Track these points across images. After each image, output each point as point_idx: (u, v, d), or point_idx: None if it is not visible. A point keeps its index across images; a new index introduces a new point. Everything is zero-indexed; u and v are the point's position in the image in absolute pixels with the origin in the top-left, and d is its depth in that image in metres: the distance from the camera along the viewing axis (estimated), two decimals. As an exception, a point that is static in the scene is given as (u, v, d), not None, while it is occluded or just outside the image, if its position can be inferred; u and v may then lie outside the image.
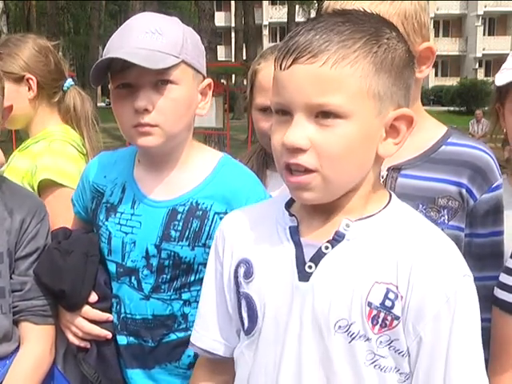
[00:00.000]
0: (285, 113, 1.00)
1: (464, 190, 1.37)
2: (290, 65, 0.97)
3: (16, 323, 1.49)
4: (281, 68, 0.99)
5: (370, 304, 0.99)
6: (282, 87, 1.00)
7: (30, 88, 2.00)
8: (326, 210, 1.06)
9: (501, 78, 1.35)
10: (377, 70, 0.97)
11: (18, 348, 1.48)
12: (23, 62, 1.98)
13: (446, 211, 1.37)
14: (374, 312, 0.99)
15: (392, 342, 1.00)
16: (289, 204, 1.13)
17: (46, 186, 1.80)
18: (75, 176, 1.83)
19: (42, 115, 2.04)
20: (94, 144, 2.07)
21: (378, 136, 1.01)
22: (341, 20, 0.98)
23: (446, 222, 1.37)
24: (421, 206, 1.36)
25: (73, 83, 2.12)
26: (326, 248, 1.03)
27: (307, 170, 0.98)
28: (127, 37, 1.36)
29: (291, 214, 1.09)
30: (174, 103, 1.38)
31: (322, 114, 0.96)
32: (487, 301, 1.36)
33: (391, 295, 0.99)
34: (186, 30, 1.43)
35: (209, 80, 1.48)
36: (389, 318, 0.99)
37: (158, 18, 1.42)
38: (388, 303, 0.99)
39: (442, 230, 1.35)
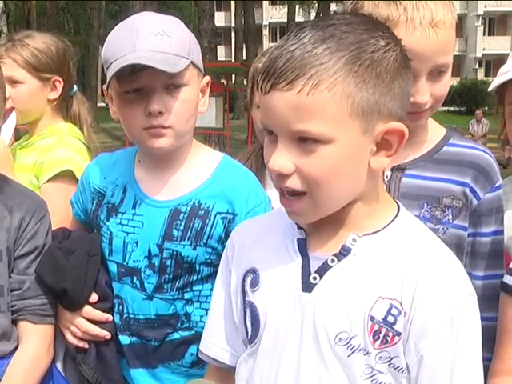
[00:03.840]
0: (271, 132, 1.00)
1: (468, 190, 1.38)
2: (269, 90, 0.96)
3: (14, 322, 1.48)
4: (262, 91, 0.99)
5: (372, 318, 0.99)
6: (264, 110, 1.00)
7: (52, 89, 2.04)
8: (332, 223, 1.05)
9: (492, 84, 1.42)
10: (359, 89, 0.93)
11: (16, 348, 1.48)
12: (54, 64, 2.02)
13: (450, 210, 1.38)
14: (376, 327, 0.98)
15: (392, 359, 0.99)
16: None
17: (65, 177, 1.84)
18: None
19: (51, 115, 2.08)
20: (92, 145, 2.11)
21: (368, 152, 0.98)
22: (322, 37, 0.94)
23: (451, 221, 1.38)
24: (426, 205, 1.38)
25: (76, 89, 2.17)
26: (332, 261, 1.03)
27: (296, 192, 0.99)
28: (136, 39, 1.34)
29: (299, 227, 1.09)
30: (185, 104, 1.39)
31: (304, 140, 0.95)
32: (492, 300, 1.37)
33: (394, 311, 0.98)
34: (187, 29, 1.44)
35: (207, 78, 1.49)
36: (390, 333, 0.98)
37: (161, 19, 1.42)
38: (390, 319, 0.98)
39: (447, 229, 1.37)
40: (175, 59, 1.34)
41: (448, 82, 1.37)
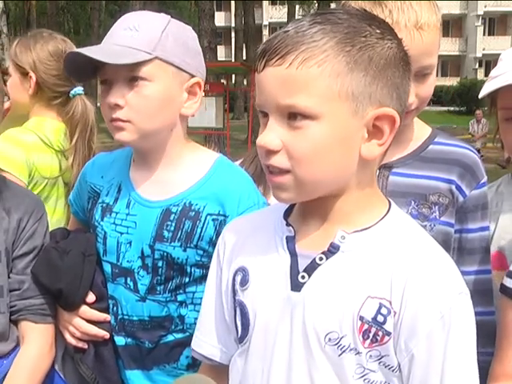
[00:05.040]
0: (265, 114, 1.01)
1: (454, 187, 1.41)
2: (263, 67, 0.98)
3: (15, 323, 1.49)
4: (257, 70, 1.00)
5: (361, 318, 0.98)
6: (258, 89, 1.01)
7: (30, 85, 2.10)
8: (320, 218, 1.05)
9: (483, 89, 1.44)
10: (350, 70, 0.94)
11: (15, 348, 1.48)
12: (32, 60, 2.09)
13: (437, 207, 1.40)
14: (366, 326, 0.97)
15: (382, 357, 0.98)
16: (287, 212, 1.12)
17: None
18: (18, 162, 1.93)
19: (38, 112, 2.13)
20: (81, 151, 2.14)
21: (358, 137, 0.97)
22: (318, 20, 0.96)
23: (438, 217, 1.40)
24: (413, 202, 1.40)
25: (81, 92, 2.18)
26: (321, 259, 1.02)
27: (281, 171, 0.99)
28: (110, 34, 1.39)
29: (288, 224, 1.09)
30: (146, 100, 1.37)
31: (293, 116, 0.96)
32: (482, 295, 1.41)
33: (384, 310, 0.97)
34: (172, 26, 1.40)
35: (196, 79, 1.44)
36: (380, 333, 0.97)
37: (142, 15, 1.42)
38: (380, 318, 0.97)
39: (434, 225, 1.39)
40: (131, 52, 1.34)
41: (433, 82, 1.40)
